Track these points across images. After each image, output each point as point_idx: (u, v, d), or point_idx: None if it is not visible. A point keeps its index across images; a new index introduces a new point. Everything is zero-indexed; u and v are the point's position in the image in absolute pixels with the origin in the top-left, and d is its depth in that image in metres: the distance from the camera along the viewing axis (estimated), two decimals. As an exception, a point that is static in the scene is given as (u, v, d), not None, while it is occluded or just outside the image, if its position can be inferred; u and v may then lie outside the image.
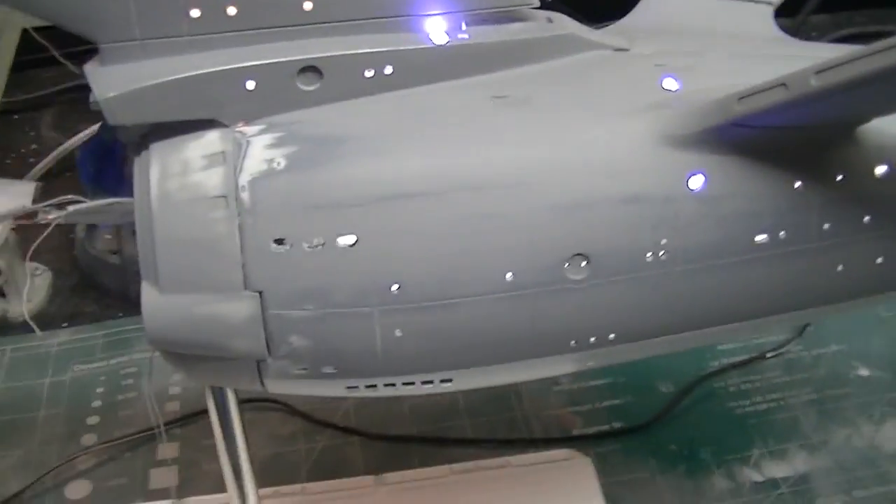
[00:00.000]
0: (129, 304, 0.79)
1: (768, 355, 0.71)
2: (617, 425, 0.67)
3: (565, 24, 0.39)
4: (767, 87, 0.35)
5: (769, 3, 0.46)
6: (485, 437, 0.66)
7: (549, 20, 0.39)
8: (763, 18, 0.46)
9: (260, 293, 0.36)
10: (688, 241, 0.38)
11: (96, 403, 0.70)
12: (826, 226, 0.40)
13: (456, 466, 0.62)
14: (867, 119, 0.38)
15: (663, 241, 0.38)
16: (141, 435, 0.67)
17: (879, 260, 0.41)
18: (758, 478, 0.63)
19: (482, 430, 0.67)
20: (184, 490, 0.63)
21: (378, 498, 0.59)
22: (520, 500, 0.58)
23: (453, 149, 0.37)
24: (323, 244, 0.36)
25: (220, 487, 0.49)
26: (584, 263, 0.37)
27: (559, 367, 0.40)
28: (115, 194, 0.41)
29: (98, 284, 0.80)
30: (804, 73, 0.34)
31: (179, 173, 0.36)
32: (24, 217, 0.40)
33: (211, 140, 0.36)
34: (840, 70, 0.33)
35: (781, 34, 0.46)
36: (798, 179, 0.39)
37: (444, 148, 0.37)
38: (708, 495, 0.62)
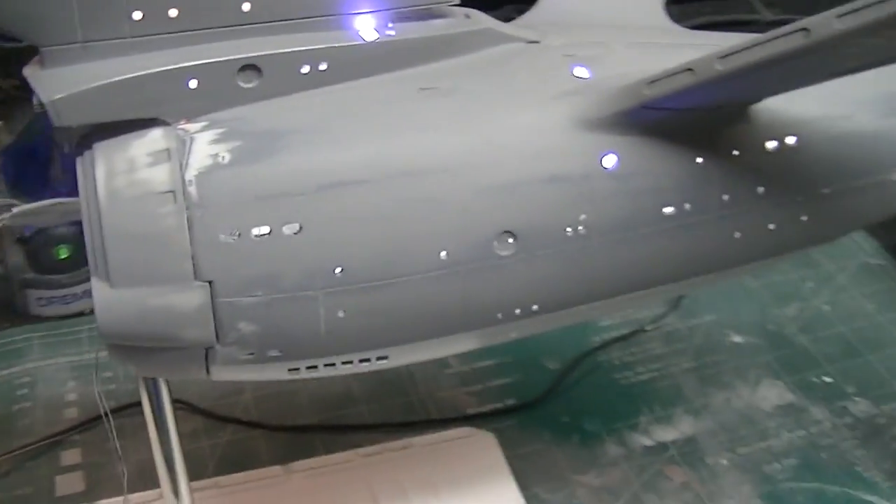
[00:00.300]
0: (16, 315, 0.79)
1: (647, 328, 0.75)
2: (510, 402, 0.70)
3: (482, 20, 0.43)
4: (675, 72, 0.39)
5: (657, -3, 0.51)
6: (384, 422, 0.69)
7: (467, 16, 0.42)
8: (654, 9, 0.50)
9: (210, 283, 0.38)
10: (603, 215, 0.42)
11: (-9, 415, 0.69)
12: (725, 197, 0.44)
13: (361, 451, 0.64)
14: (759, 99, 0.43)
15: (582, 217, 0.41)
16: (42, 443, 0.67)
17: (771, 226, 0.45)
18: (648, 442, 0.67)
19: (380, 415, 0.70)
20: (92, 494, 0.64)
21: (291, 486, 0.61)
22: (429, 478, 0.61)
23: (386, 138, 0.40)
24: (269, 233, 0.38)
25: (130, 488, 0.50)
26: (511, 240, 0.41)
27: (485, 339, 0.44)
28: (38, 198, 0.43)
29: (-20, 297, 0.79)
30: (709, 59, 0.38)
31: (126, 171, 0.38)
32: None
33: (155, 138, 0.38)
34: (741, 55, 0.37)
35: (671, 23, 0.51)
36: (699, 156, 0.43)
37: (377, 138, 0.40)
38: (602, 461, 0.66)
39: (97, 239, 0.38)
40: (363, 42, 0.40)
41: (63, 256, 0.77)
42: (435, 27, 0.41)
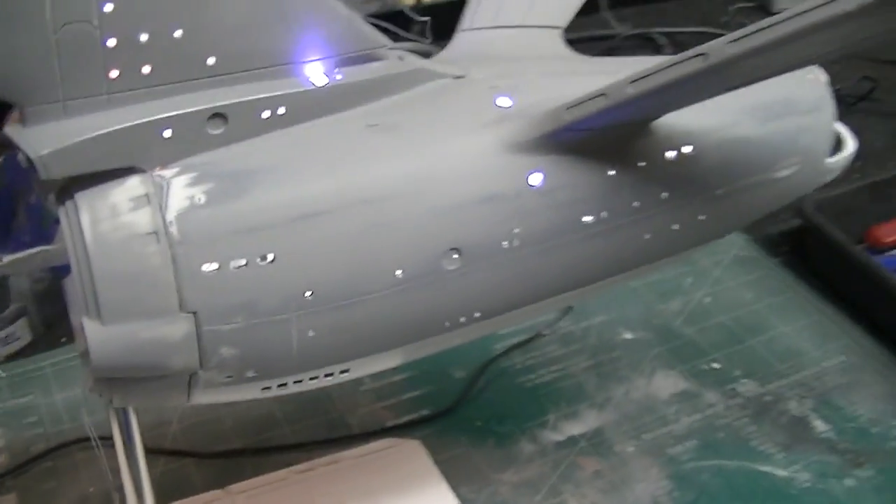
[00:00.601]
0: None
1: (545, 333, 0.82)
2: (425, 412, 0.76)
3: (413, 61, 0.48)
4: (591, 96, 0.45)
5: (557, 28, 0.57)
6: (309, 440, 0.73)
7: (400, 58, 0.48)
8: (555, 39, 0.56)
9: (194, 313, 0.43)
10: (533, 227, 0.48)
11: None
12: (636, 204, 0.50)
13: (296, 468, 0.69)
14: (659, 116, 0.49)
15: (515, 231, 0.47)
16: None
17: (675, 227, 0.52)
18: (559, 437, 0.74)
19: (304, 435, 0.74)
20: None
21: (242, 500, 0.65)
22: (366, 488, 0.66)
23: (342, 172, 0.45)
24: (246, 264, 0.43)
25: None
26: (455, 256, 0.46)
27: (434, 346, 0.49)
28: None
29: None
30: (621, 84, 0.44)
31: (110, 216, 0.42)
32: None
33: (133, 185, 0.42)
34: (649, 79, 0.44)
35: (571, 52, 0.57)
36: (612, 169, 0.49)
37: (335, 172, 0.45)
38: (519, 459, 0.72)
39: (87, 281, 0.42)
40: (315, 87, 0.45)
41: (-25, 306, 0.79)
42: (375, 69, 0.47)
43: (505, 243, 0.47)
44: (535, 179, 0.47)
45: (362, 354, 0.47)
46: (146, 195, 0.42)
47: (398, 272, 0.45)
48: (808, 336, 0.82)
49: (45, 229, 0.47)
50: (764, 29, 0.40)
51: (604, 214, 0.49)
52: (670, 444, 0.73)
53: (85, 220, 0.42)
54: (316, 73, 0.45)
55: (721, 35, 0.41)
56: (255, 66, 0.44)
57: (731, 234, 0.82)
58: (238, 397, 0.47)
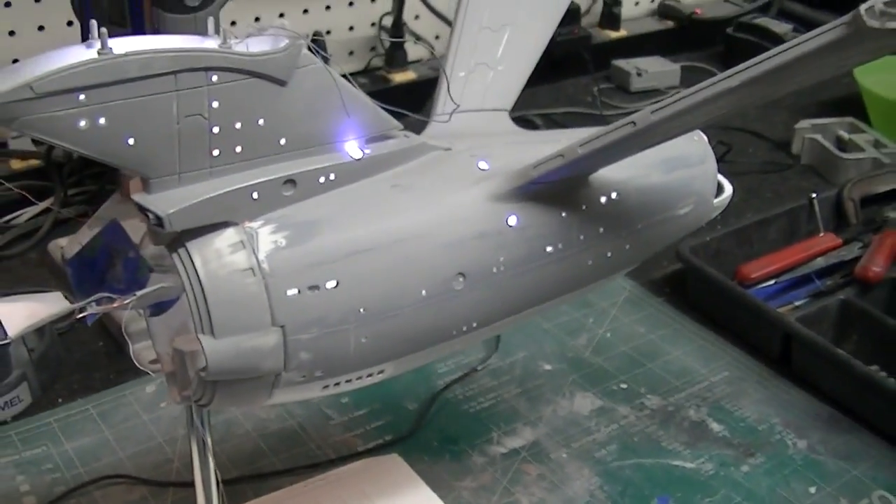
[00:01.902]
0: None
1: (478, 368, 1.00)
2: (388, 438, 0.93)
3: (416, 137, 0.67)
4: (551, 157, 0.65)
5: (505, 110, 0.77)
6: (296, 466, 0.90)
7: (406, 135, 0.66)
8: (506, 119, 0.76)
9: (282, 327, 0.60)
10: (512, 256, 0.67)
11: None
12: (581, 237, 0.70)
13: (294, 486, 0.85)
14: (596, 170, 0.69)
15: (501, 259, 0.66)
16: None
17: (609, 254, 0.72)
18: (503, 450, 0.92)
19: (290, 462, 0.90)
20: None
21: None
22: (361, 495, 0.83)
23: (378, 219, 0.63)
24: (318, 288, 0.60)
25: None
26: (461, 278, 0.65)
27: (443, 350, 0.67)
28: (92, 293, 0.62)
29: None
30: (573, 147, 0.64)
31: (216, 258, 0.59)
32: (67, 316, 0.61)
33: (230, 234, 0.60)
34: (593, 142, 0.63)
35: (517, 127, 0.77)
36: (563, 211, 0.69)
37: (372, 220, 0.63)
38: (474, 469, 0.90)
39: (202, 306, 0.58)
40: (354, 159, 0.63)
41: (-17, 375, 0.94)
42: (392, 145, 0.65)
43: (494, 269, 0.66)
44: (512, 220, 0.66)
45: (394, 357, 0.65)
46: (241, 241, 0.59)
47: (423, 292, 0.63)
48: (695, 358, 1.03)
49: (139, 278, 0.63)
50: (676, 101, 0.59)
51: (560, 245, 0.68)
52: (596, 449, 0.92)
53: (198, 261, 0.59)
54: (353, 148, 0.63)
55: (588, 113, 0.61)
56: (313, 145, 0.62)
57: (620, 280, 1.03)
58: (305, 396, 0.64)
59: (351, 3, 1.45)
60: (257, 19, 1.30)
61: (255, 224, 0.60)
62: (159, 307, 0.64)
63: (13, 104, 0.51)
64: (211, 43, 0.57)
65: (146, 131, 0.56)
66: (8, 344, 0.95)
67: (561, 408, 0.96)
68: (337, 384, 0.64)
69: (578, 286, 0.72)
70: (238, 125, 0.58)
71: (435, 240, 0.64)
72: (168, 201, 0.58)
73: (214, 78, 0.56)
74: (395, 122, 0.65)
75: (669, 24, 1.70)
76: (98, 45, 0.53)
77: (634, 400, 0.97)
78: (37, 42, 1.26)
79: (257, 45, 0.58)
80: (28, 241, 1.17)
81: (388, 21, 1.44)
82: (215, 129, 0.58)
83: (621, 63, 1.56)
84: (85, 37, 1.03)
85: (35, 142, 1.25)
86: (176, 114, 0.56)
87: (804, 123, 1.39)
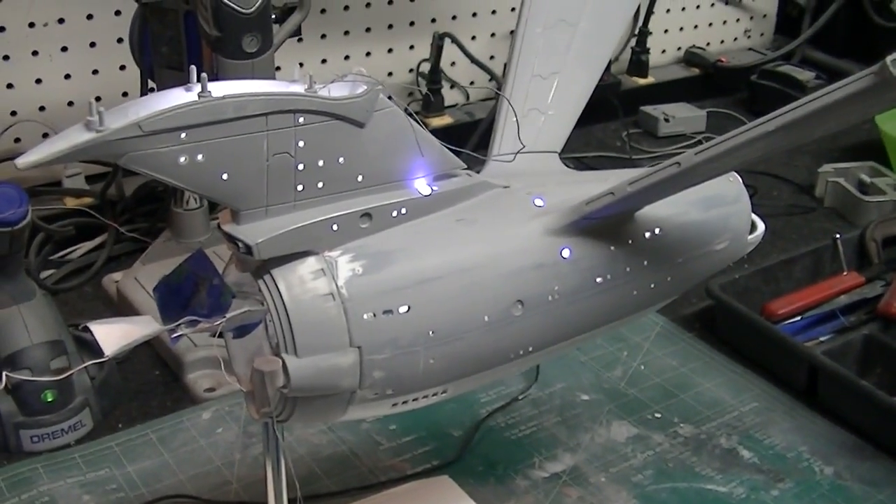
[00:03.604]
0: (11, 453, 1.00)
1: (520, 398, 1.06)
2: (435, 462, 0.99)
3: (477, 176, 0.74)
4: (602, 195, 0.71)
5: (555, 152, 0.84)
6: (350, 487, 0.95)
7: (469, 174, 0.73)
8: (556, 160, 0.83)
9: (359, 347, 0.66)
10: (566, 286, 0.73)
11: (29, 528, 0.91)
12: (627, 269, 0.76)
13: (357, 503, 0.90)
14: (641, 207, 0.76)
15: (556, 288, 0.73)
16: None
17: (652, 286, 0.78)
18: (544, 474, 0.98)
19: (342, 485, 0.96)
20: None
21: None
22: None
23: (445, 250, 0.69)
24: (391, 312, 0.67)
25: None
26: (520, 306, 0.71)
27: (502, 373, 0.74)
28: (176, 319, 0.69)
29: (-28, 443, 1.00)
30: (623, 185, 0.70)
31: (299, 284, 0.65)
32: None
33: (311, 263, 0.66)
34: (642, 181, 0.70)
35: (566, 168, 0.84)
36: (612, 245, 0.75)
37: (440, 251, 0.69)
38: (517, 492, 0.96)
39: (286, 328, 0.65)
40: (422, 195, 0.70)
41: (50, 400, 1.00)
42: (456, 183, 0.72)
43: (550, 297, 0.72)
44: (566, 253, 0.73)
45: (458, 377, 0.71)
46: (322, 269, 0.66)
47: (486, 317, 0.70)
48: (725, 389, 1.09)
49: (222, 303, 0.70)
50: (716, 144, 0.66)
51: (608, 276, 0.75)
52: (633, 474, 0.98)
53: (282, 286, 0.65)
54: (422, 185, 0.70)
55: (618, 157, 0.68)
56: (387, 181, 0.68)
57: (652, 317, 1.09)
58: (375, 413, 0.70)
59: (390, 50, 1.52)
60: (301, 65, 1.37)
61: (334, 253, 0.66)
62: (242, 330, 0.70)
63: (122, 141, 0.58)
64: (297, 88, 0.63)
65: (239, 167, 0.62)
66: (105, 360, 1.02)
67: (599, 435, 1.02)
68: (405, 402, 0.71)
69: (624, 315, 0.78)
70: (321, 163, 0.65)
71: (497, 270, 0.70)
72: (256, 232, 0.64)
73: (301, 119, 0.63)
74: (459, 161, 0.72)
75: (695, 71, 1.77)
76: (198, 88, 0.60)
77: (668, 428, 1.03)
78: (91, 84, 1.33)
79: (338, 91, 0.65)
80: (83, 276, 1.24)
81: (425, 67, 1.51)
82: (300, 167, 0.64)
83: (649, 109, 1.62)
84: (144, 81, 1.10)
85: (88, 180, 1.32)
86: (266, 152, 0.62)
87: (827, 167, 1.45)
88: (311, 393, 0.66)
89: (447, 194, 0.71)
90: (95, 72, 1.34)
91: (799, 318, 1.16)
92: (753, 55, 1.85)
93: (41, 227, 1.21)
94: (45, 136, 1.27)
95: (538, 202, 0.74)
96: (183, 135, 0.59)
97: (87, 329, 0.66)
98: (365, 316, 0.66)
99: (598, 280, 0.75)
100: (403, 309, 0.67)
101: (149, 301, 1.13)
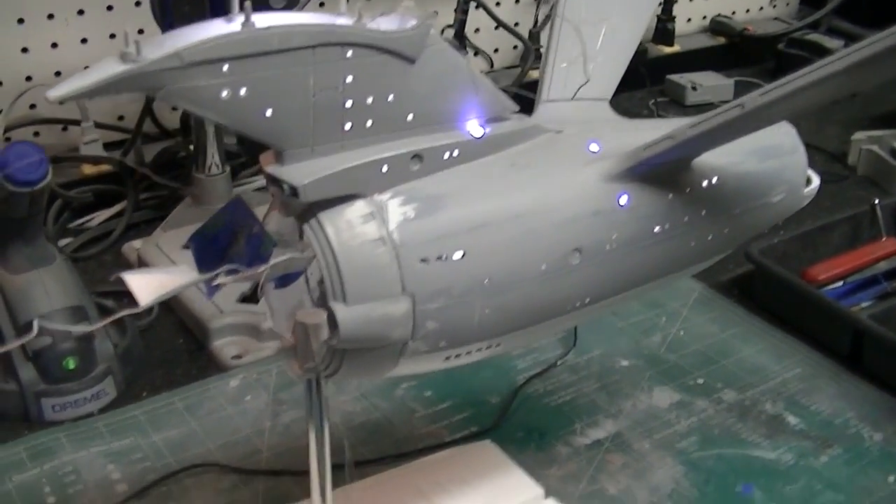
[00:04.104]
0: (33, 422, 0.96)
1: (557, 363, 1.02)
2: (473, 429, 0.95)
3: (529, 119, 0.69)
4: (662, 139, 0.67)
5: (605, 99, 0.79)
6: (384, 455, 0.91)
7: (520, 118, 0.69)
8: (605, 108, 0.79)
9: (412, 295, 0.62)
10: (624, 234, 0.69)
11: (51, 500, 0.86)
12: (686, 218, 0.72)
13: (391, 471, 0.86)
14: (699, 154, 0.71)
15: (614, 236, 0.68)
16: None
17: (710, 237, 0.74)
18: (587, 441, 0.94)
19: (377, 453, 0.92)
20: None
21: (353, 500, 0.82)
22: (460, 478, 0.83)
23: (499, 195, 0.65)
24: (445, 259, 0.62)
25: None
26: (577, 255, 0.67)
27: (556, 326, 0.69)
28: (212, 270, 0.64)
29: (-7, 413, 0.95)
30: (682, 128, 0.66)
31: (347, 228, 0.61)
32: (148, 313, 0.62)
33: (360, 206, 0.61)
34: (703, 124, 0.65)
35: (617, 115, 0.79)
36: (669, 193, 0.71)
37: (494, 195, 0.65)
38: (559, 460, 0.91)
39: (334, 275, 0.60)
40: (474, 138, 0.65)
41: (71, 367, 0.96)
42: (509, 126, 0.67)
43: (607, 246, 0.68)
44: (623, 200, 0.68)
45: (513, 330, 0.66)
46: (371, 213, 0.61)
47: (543, 266, 0.65)
48: (767, 355, 1.05)
49: (263, 252, 0.65)
50: (782, 85, 0.61)
51: (666, 226, 0.70)
52: (677, 441, 0.94)
53: (330, 231, 0.61)
54: (474, 127, 0.65)
55: None
56: (437, 122, 0.64)
57: (689, 282, 1.05)
58: (427, 367, 0.66)
59: (415, 16, 1.47)
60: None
61: (383, 197, 0.62)
62: (283, 280, 0.66)
63: (161, 72, 0.53)
64: (344, 20, 0.59)
65: (284, 103, 0.57)
66: (129, 327, 0.98)
67: (640, 401, 0.98)
68: (457, 356, 0.66)
69: (681, 267, 0.74)
70: (369, 100, 0.60)
71: (553, 216, 0.66)
72: (302, 173, 0.60)
73: (349, 53, 0.58)
74: (511, 103, 0.67)
75: (721, 40, 1.73)
76: (241, 18, 0.55)
77: (712, 394, 0.99)
78: (109, 49, 1.28)
79: (388, 24, 0.60)
80: (102, 244, 1.19)
81: (449, 34, 1.46)
82: (348, 104, 0.60)
83: (676, 77, 1.58)
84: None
85: (106, 148, 1.28)
86: (312, 87, 0.58)
87: (860, 135, 1.41)
88: (360, 344, 0.62)
89: (500, 137, 0.66)
90: (113, 36, 1.29)
91: (841, 283, 1.11)
92: (779, 24, 1.81)
93: (59, 194, 1.16)
94: (61, 101, 1.24)
95: (593, 147, 0.70)
96: (225, 67, 0.54)
97: (119, 280, 0.62)
98: (418, 262, 0.61)
99: (657, 229, 0.70)
100: (458, 255, 0.62)
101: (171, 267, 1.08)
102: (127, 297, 0.99)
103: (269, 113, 0.57)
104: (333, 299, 0.60)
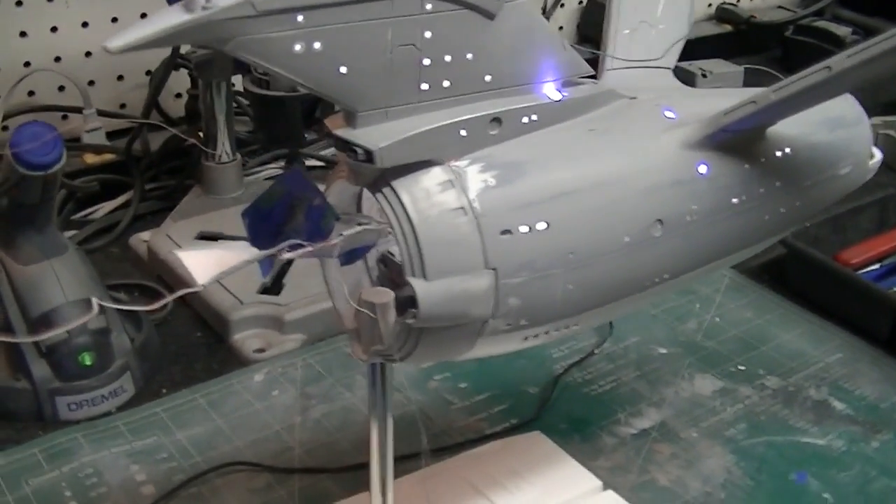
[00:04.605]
0: (46, 422, 0.89)
1: (595, 352, 0.97)
2: (514, 421, 0.90)
3: (603, 84, 0.64)
4: (743, 104, 0.62)
5: (668, 68, 0.74)
6: (422, 450, 0.85)
7: (594, 82, 0.64)
8: (669, 76, 0.74)
9: (494, 269, 0.57)
10: (703, 205, 0.64)
11: (73, 504, 0.80)
12: (761, 190, 0.67)
13: (436, 466, 0.80)
14: (778, 120, 0.67)
15: (694, 207, 0.63)
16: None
17: (782, 210, 0.69)
18: (632, 431, 0.89)
19: (416, 447, 0.85)
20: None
21: (402, 493, 0.76)
22: (511, 471, 0.79)
23: (580, 162, 0.60)
24: (529, 230, 0.57)
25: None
26: (659, 226, 0.62)
27: (634, 304, 0.64)
28: (267, 247, 0.58)
29: (6, 412, 0.89)
30: (766, 92, 0.61)
31: (425, 197, 0.56)
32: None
33: (437, 173, 0.56)
34: (788, 88, 0.61)
35: (681, 84, 0.74)
36: (746, 163, 0.66)
37: (575, 162, 0.60)
38: (606, 450, 0.87)
39: (413, 247, 0.55)
40: (552, 101, 0.61)
41: (88, 363, 0.89)
42: (585, 90, 0.62)
43: (688, 217, 0.63)
44: (702, 169, 0.64)
45: (594, 307, 0.61)
46: (449, 181, 0.56)
47: (626, 238, 0.60)
48: (806, 341, 1.01)
49: (324, 227, 0.60)
50: (871, 46, 0.57)
51: (744, 197, 0.66)
52: (725, 429, 0.89)
53: (406, 200, 0.55)
54: (552, 90, 0.60)
55: None
56: (515, 84, 0.59)
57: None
58: (504, 348, 0.60)
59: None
60: None
61: (461, 163, 0.57)
62: (350, 256, 0.60)
63: (232, 21, 0.48)
64: (422, -28, 0.54)
65: (359, 59, 0.52)
66: (146, 320, 0.91)
67: (682, 389, 0.93)
68: (535, 336, 0.61)
69: (755, 241, 0.69)
70: (448, 58, 0.55)
71: (635, 185, 0.61)
72: (377, 136, 0.54)
73: (429, 6, 0.53)
74: (587, 66, 0.62)
75: (727, 27, 1.69)
76: (316, -34, 0.50)
77: (754, 381, 0.95)
78: (110, 33, 1.22)
79: (466, -23, 0.55)
80: (108, 236, 1.13)
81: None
82: (426, 61, 0.55)
83: (685, 64, 1.54)
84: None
85: (108, 137, 1.22)
86: (390, 42, 0.53)
87: (876, 120, 1.38)
88: (439, 322, 0.57)
89: (577, 101, 0.62)
90: (115, 20, 1.23)
91: (877, 265, 1.08)
92: (784, 13, 1.77)
93: (63, 184, 1.09)
94: (61, 88, 1.17)
95: (668, 114, 0.65)
96: (300, 17, 0.49)
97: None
98: (500, 233, 0.56)
99: (734, 201, 0.66)
100: (541, 226, 0.57)
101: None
102: (138, 290, 0.94)
103: (343, 70, 0.52)
104: (412, 274, 0.55)
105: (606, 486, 0.80)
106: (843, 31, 1.54)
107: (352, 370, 0.95)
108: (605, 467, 0.84)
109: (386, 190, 0.56)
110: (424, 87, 0.55)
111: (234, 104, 1.13)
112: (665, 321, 1.02)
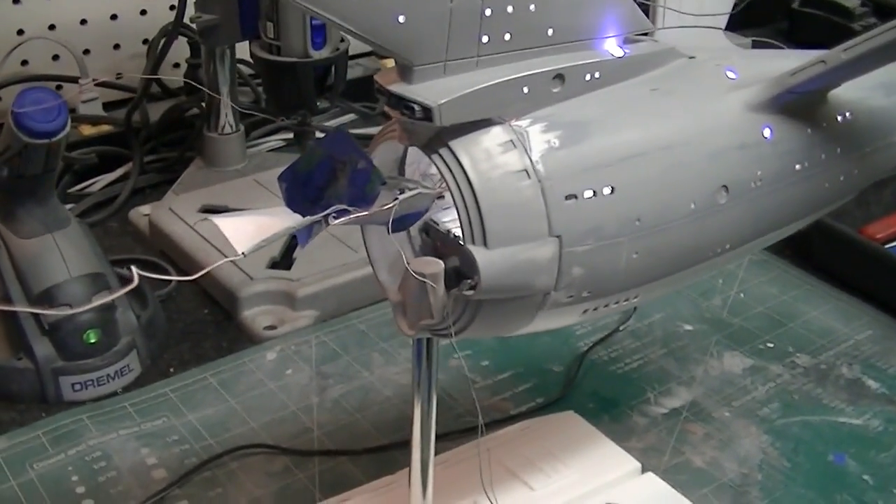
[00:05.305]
0: (50, 404, 0.84)
1: (620, 329, 0.93)
2: (540, 400, 0.85)
3: (663, 42, 0.60)
4: (811, 63, 0.58)
5: (720, 28, 0.70)
6: (450, 430, 0.81)
7: (654, 40, 0.59)
8: (722, 37, 0.69)
9: (559, 237, 0.52)
10: (768, 171, 0.59)
11: (80, 489, 0.75)
12: (823, 156, 0.63)
13: (467, 447, 0.75)
14: (843, 83, 0.63)
15: (759, 173, 0.59)
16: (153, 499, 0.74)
17: (842, 178, 0.65)
18: (663, 410, 0.85)
19: (440, 428, 0.81)
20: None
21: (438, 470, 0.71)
22: (545, 451, 0.74)
23: (645, 123, 0.55)
24: (594, 194, 0.53)
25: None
26: (725, 192, 0.57)
27: (695, 275, 0.60)
28: (305, 213, 0.54)
29: (7, 393, 0.84)
30: (835, 52, 0.57)
31: (486, 158, 0.51)
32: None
33: (497, 133, 0.52)
34: (859, 47, 0.56)
35: (733, 44, 0.70)
36: (808, 127, 0.62)
37: (640, 124, 0.55)
38: (637, 430, 0.82)
39: (473, 213, 0.50)
40: (615, 57, 0.56)
41: (93, 341, 0.84)
42: (646, 47, 0.58)
43: (752, 184, 0.58)
44: (767, 133, 0.59)
45: (657, 277, 0.57)
46: (511, 141, 0.51)
47: (692, 204, 0.56)
48: (834, 317, 0.97)
49: (369, 193, 0.55)
50: None
51: (806, 164, 0.61)
52: (758, 408, 0.85)
53: (466, 161, 0.51)
54: (613, 47, 0.56)
55: None
56: (577, 39, 0.54)
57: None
58: (563, 322, 0.56)
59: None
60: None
61: (523, 122, 0.52)
62: (400, 223, 0.55)
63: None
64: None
65: (418, 8, 0.48)
66: (152, 297, 0.86)
67: (712, 367, 0.89)
68: (595, 308, 0.57)
69: (815, 210, 0.65)
70: (510, 9, 0.51)
71: (701, 148, 0.57)
72: (435, 91, 0.50)
73: (491, -49, 0.48)
74: (648, 21, 0.58)
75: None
76: None
77: (785, 358, 0.91)
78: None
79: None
80: (107, 210, 1.08)
81: None
82: (488, 12, 0.50)
83: (690, 37, 1.50)
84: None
85: (105, 108, 1.16)
86: (451, -12, 0.48)
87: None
88: (499, 294, 0.52)
89: (639, 59, 0.57)
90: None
91: (901, 240, 1.04)
92: (789, -16, 1.73)
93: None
94: (55, 57, 1.12)
95: (730, 74, 0.61)
96: (357, -40, 0.44)
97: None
98: (565, 198, 0.52)
99: (797, 167, 0.61)
100: (607, 191, 0.53)
101: (188, 232, 0.97)
102: (141, 264, 0.88)
103: (401, 19, 0.47)
104: (472, 242, 0.50)
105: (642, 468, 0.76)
106: (852, 2, 1.50)
107: (368, 348, 0.90)
108: (637, 448, 0.80)
109: (443, 151, 0.51)
110: (485, 39, 0.51)
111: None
112: (689, 297, 0.98)
